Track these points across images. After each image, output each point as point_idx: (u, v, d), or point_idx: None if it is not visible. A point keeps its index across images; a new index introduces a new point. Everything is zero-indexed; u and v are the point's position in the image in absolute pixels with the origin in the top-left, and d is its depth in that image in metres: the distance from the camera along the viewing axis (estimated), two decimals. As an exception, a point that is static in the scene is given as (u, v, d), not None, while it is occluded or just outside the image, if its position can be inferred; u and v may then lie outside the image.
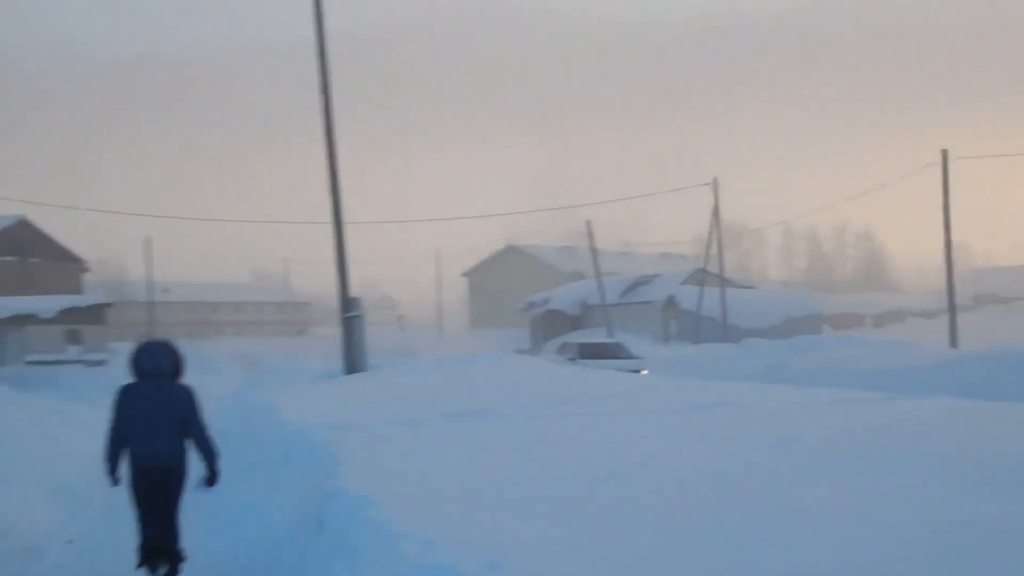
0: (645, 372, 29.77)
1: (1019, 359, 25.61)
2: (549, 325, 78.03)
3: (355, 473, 8.89)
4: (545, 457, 9.74)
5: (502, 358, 31.60)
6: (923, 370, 27.85)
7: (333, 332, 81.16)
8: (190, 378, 9.04)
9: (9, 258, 58.38)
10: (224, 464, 8.88)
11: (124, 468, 8.44)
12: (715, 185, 61.72)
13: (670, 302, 73.20)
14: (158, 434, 8.29)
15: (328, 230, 26.72)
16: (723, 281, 64.37)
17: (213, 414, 10.51)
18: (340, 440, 11.14)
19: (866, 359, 32.60)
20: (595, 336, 46.48)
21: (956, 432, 11.14)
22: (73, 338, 48.71)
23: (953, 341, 46.50)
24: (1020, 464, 8.56)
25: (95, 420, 18.39)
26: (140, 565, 8.28)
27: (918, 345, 38.27)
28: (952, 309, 49.42)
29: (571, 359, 32.91)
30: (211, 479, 8.54)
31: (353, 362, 25.65)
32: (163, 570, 8.22)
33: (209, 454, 8.47)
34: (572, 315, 78.73)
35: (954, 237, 49.48)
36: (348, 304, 26.32)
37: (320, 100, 27.01)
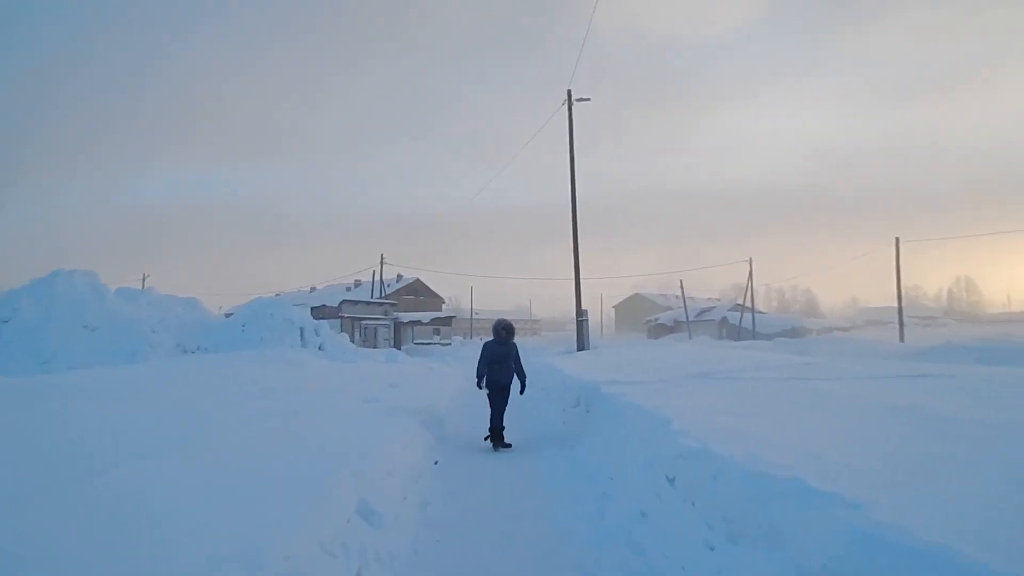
0: None
1: (957, 348, 20.29)
2: (656, 332, 71.47)
3: (686, 428, 4.57)
4: (808, 410, 5.18)
5: (660, 344, 26.53)
6: (901, 355, 20.95)
7: (553, 334, 77.44)
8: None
9: (411, 296, 59.40)
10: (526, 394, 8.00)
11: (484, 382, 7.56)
12: (751, 262, 55.88)
13: (723, 320, 66.35)
14: (502, 367, 7.53)
15: (562, 282, 22.35)
16: (752, 309, 57.75)
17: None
18: (624, 392, 6.99)
19: (861, 348, 25.76)
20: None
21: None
22: (436, 332, 47.35)
23: (901, 338, 37.69)
24: None
25: (447, 371, 16.88)
26: (489, 439, 7.38)
27: (885, 341, 30.66)
28: (900, 325, 40.04)
29: None
30: (522, 391, 7.86)
31: (582, 344, 21.58)
32: (501, 445, 7.27)
33: (523, 378, 7.72)
34: (668, 327, 71.90)
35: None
36: (580, 313, 22.28)
37: (571, 220, 22.48)
